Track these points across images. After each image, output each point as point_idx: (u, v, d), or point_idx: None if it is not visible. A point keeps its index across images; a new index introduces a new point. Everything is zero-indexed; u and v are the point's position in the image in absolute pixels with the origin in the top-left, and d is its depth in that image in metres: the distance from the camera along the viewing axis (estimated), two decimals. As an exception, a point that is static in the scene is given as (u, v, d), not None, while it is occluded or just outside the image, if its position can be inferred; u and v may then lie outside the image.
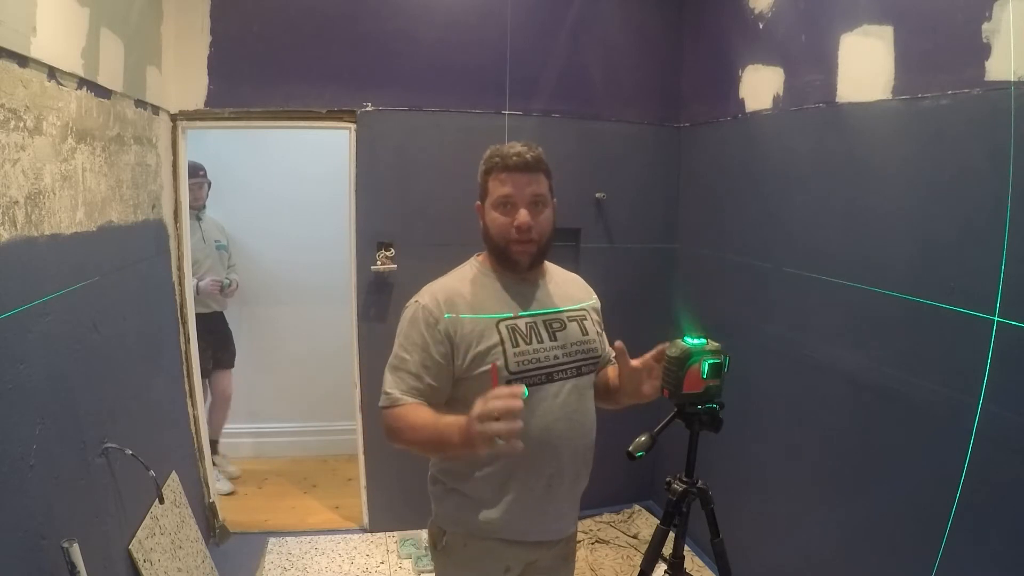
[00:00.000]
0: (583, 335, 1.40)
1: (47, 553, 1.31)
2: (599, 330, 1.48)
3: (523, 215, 1.31)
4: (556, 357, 1.35)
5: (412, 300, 1.37)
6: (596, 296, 1.55)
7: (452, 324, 1.30)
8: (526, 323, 1.35)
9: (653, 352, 1.32)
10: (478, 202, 1.40)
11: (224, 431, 3.57)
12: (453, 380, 1.32)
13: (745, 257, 2.53)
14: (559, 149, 2.83)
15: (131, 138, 2.03)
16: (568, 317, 1.41)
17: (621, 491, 3.14)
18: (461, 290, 1.36)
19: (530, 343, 1.33)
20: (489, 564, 1.37)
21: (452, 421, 1.18)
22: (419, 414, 1.27)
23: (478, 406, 1.09)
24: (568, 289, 1.48)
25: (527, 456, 1.28)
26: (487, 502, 1.34)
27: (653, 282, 3.09)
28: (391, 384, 1.32)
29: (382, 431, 1.34)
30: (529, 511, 1.34)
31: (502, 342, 1.30)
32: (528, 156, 1.32)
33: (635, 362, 1.31)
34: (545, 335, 1.35)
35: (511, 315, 1.34)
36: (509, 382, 1.28)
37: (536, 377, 1.31)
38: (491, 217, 1.35)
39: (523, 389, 1.10)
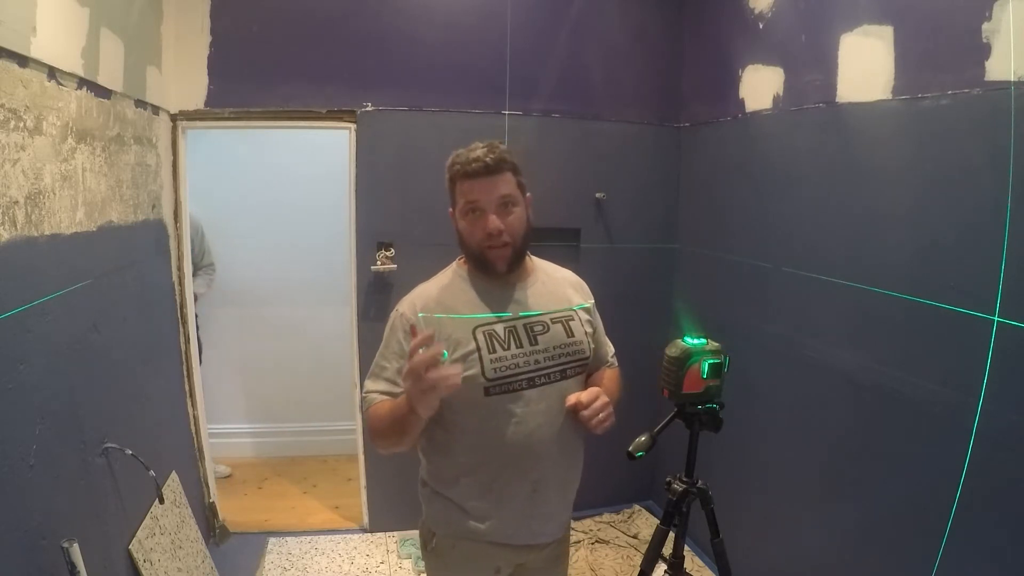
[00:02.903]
0: (568, 337, 1.37)
1: (47, 553, 1.31)
2: (588, 330, 1.43)
3: (492, 221, 1.29)
4: (537, 362, 1.32)
5: (395, 308, 1.38)
6: (590, 292, 1.51)
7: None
8: (505, 328, 1.32)
9: (573, 402, 1.31)
10: (450, 208, 1.39)
11: (224, 431, 3.57)
12: None
13: (745, 257, 2.53)
14: (559, 149, 2.86)
15: (131, 138, 2.03)
16: (552, 319, 1.37)
17: (621, 491, 3.14)
18: (439, 296, 1.35)
19: (508, 348, 1.30)
20: (479, 565, 1.37)
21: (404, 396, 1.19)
22: (383, 405, 1.29)
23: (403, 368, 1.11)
24: (555, 289, 1.44)
25: (510, 462, 1.30)
26: (472, 507, 1.33)
27: (653, 282, 3.09)
28: (368, 390, 1.34)
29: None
30: (515, 516, 1.34)
31: (479, 348, 1.28)
32: (488, 159, 1.28)
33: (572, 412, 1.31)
34: (525, 339, 1.33)
35: (488, 320, 1.32)
36: (487, 389, 1.27)
37: (516, 383, 1.29)
38: (462, 225, 1.34)
39: (442, 351, 1.12)
